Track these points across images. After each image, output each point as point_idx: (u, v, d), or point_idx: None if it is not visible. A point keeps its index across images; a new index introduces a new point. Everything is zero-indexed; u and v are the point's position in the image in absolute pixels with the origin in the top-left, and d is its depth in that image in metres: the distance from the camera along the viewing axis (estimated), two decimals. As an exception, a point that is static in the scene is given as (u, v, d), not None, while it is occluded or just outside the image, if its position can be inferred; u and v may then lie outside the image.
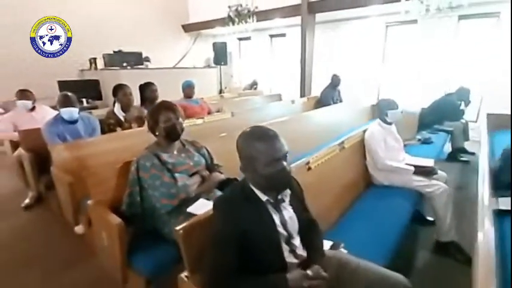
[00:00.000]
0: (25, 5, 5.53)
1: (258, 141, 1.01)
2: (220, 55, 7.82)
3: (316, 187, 1.83)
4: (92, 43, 6.18)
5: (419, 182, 2.19)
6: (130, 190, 1.59)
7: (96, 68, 5.50)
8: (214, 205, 1.07)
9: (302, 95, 6.08)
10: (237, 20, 6.62)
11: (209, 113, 4.00)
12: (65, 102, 2.44)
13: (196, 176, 1.68)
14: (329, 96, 5.34)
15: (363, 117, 4.86)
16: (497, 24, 4.91)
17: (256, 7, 6.48)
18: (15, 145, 2.94)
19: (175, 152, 1.72)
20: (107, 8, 6.86)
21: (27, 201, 2.90)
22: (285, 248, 1.09)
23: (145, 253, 1.49)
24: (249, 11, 6.44)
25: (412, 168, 2.23)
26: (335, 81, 5.37)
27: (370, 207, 2.03)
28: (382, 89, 6.47)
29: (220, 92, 7.79)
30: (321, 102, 5.33)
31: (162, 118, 1.66)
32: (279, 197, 1.10)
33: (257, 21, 6.49)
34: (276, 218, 1.06)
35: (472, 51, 5.31)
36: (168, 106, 1.73)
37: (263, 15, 6.41)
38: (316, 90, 5.80)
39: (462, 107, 4.23)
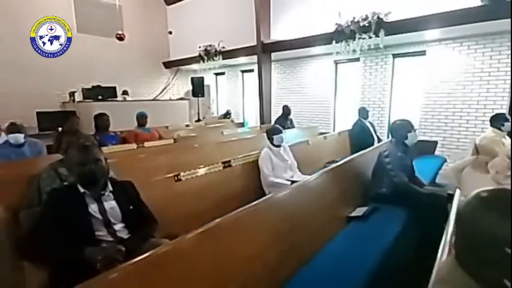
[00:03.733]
0: (8, 40, 6.33)
1: (72, 149, 1.51)
2: (198, 88, 8.60)
3: (189, 195, 2.29)
4: (78, 78, 6.96)
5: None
6: (31, 197, 2.07)
7: (74, 101, 6.18)
8: (49, 193, 1.54)
9: (262, 123, 6.65)
10: (206, 58, 7.43)
11: (160, 138, 4.56)
12: (12, 129, 3.00)
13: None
14: (281, 125, 5.87)
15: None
16: (426, 61, 5.54)
17: (223, 47, 7.32)
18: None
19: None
20: (95, 48, 7.74)
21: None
22: (103, 229, 1.53)
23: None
24: (216, 51, 7.27)
25: (288, 183, 2.67)
26: (286, 111, 5.98)
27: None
28: (336, 116, 7.03)
29: (198, 120, 8.49)
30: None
31: (65, 140, 2.18)
32: (102, 192, 1.57)
33: (223, 59, 7.29)
34: (94, 207, 1.52)
35: (405, 84, 5.92)
36: (71, 132, 2.26)
37: (228, 54, 7.21)
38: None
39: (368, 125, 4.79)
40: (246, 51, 6.75)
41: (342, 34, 4.96)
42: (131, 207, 1.66)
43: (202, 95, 8.73)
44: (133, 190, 1.74)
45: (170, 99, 8.31)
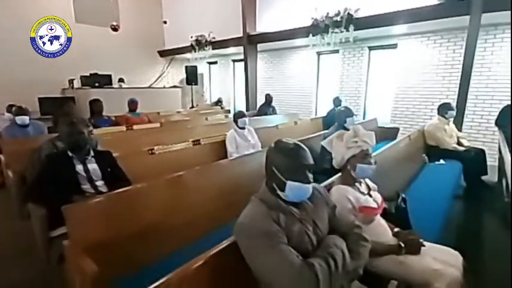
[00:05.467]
0: (13, 30, 6.80)
1: (63, 123, 2.03)
2: (191, 76, 9.06)
3: (160, 165, 2.81)
4: (77, 66, 7.43)
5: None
6: (34, 162, 2.61)
7: (73, 88, 6.68)
8: (46, 156, 2.08)
9: (247, 110, 7.14)
10: (197, 48, 7.85)
11: (150, 122, 5.07)
12: (19, 112, 3.52)
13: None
14: (263, 111, 6.38)
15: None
16: (397, 54, 5.95)
17: (214, 37, 7.72)
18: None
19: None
20: (93, 37, 8.16)
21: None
22: (87, 184, 2.07)
23: None
24: (206, 41, 7.68)
25: (247, 159, 3.18)
26: (268, 99, 6.44)
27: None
28: (318, 105, 7.49)
29: (192, 107, 9.01)
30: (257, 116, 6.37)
31: (61, 120, 2.70)
32: (86, 156, 2.10)
33: (213, 49, 7.71)
34: (80, 167, 2.06)
35: (380, 75, 6.35)
36: (67, 113, 2.78)
37: (217, 44, 7.63)
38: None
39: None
40: (234, 42, 7.17)
41: (317, 28, 5.37)
42: (109, 169, 2.20)
43: (196, 83, 9.20)
44: (111, 157, 2.27)
45: (164, 87, 8.77)
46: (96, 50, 8.16)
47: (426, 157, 3.79)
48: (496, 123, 4.08)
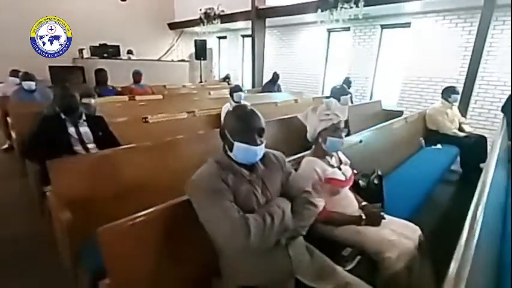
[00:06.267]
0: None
1: (57, 87, 2.13)
2: (200, 51, 9.01)
3: (155, 134, 2.92)
4: (87, 36, 7.49)
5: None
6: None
7: (82, 57, 6.81)
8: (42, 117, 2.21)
9: (253, 87, 7.12)
10: (205, 21, 7.74)
11: (153, 94, 5.18)
12: (26, 77, 3.67)
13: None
14: (268, 89, 6.35)
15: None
16: (410, 34, 5.69)
17: (223, 11, 7.56)
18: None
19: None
20: (103, 7, 8.19)
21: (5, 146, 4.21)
22: (79, 146, 2.20)
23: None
24: (215, 14, 7.54)
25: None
26: (274, 77, 6.39)
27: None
28: (326, 83, 7.36)
29: (201, 82, 9.04)
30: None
31: (58, 88, 2.82)
32: (78, 120, 2.21)
33: (221, 23, 7.58)
34: (72, 129, 2.18)
35: (390, 56, 6.12)
36: (63, 81, 2.89)
37: (226, 18, 7.47)
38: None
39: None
40: (242, 15, 7.01)
41: (326, 3, 5.16)
42: (100, 133, 2.31)
43: (205, 58, 9.15)
44: (103, 122, 2.38)
45: (172, 61, 8.78)
46: (105, 20, 8.15)
47: (423, 141, 3.74)
48: (503, 110, 3.93)
